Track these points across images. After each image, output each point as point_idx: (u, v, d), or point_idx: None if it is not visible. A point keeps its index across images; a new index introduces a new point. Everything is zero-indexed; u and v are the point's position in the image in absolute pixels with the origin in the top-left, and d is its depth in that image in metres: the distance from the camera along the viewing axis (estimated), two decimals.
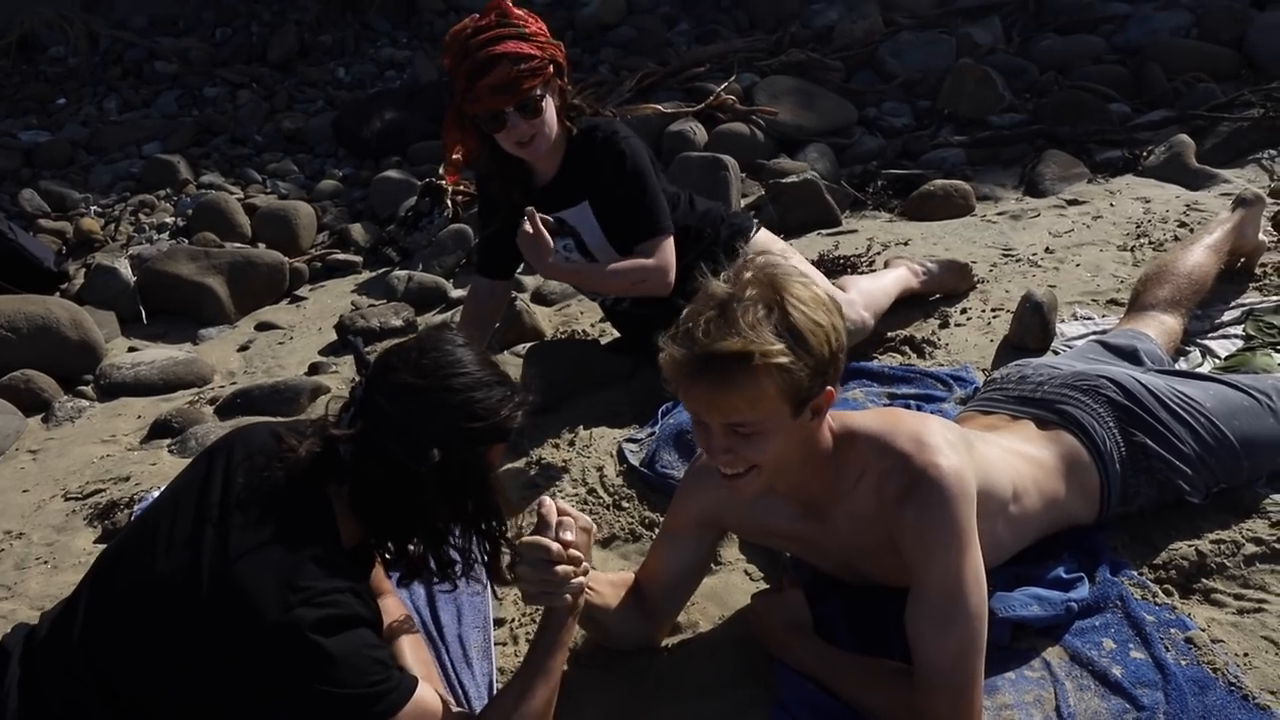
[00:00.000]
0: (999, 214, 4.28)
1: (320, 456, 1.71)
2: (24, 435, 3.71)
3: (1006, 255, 3.74)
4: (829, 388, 1.72)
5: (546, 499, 1.87)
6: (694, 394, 1.70)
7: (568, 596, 1.80)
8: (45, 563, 2.79)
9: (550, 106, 2.75)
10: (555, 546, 1.79)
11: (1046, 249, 3.74)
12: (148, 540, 1.70)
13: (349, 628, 1.62)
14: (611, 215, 2.86)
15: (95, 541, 2.86)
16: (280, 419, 3.16)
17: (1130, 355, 2.57)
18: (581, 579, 1.82)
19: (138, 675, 1.63)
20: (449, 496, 1.72)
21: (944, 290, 3.42)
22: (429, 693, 1.71)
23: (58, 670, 1.65)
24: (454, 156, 2.89)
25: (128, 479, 3.20)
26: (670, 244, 2.80)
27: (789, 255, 3.10)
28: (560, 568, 1.78)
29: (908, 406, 2.70)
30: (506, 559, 1.81)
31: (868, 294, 3.13)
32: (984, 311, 3.30)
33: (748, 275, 1.69)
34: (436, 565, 1.80)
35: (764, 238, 3.13)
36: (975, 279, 3.47)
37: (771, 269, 1.72)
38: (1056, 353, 2.93)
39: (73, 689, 1.63)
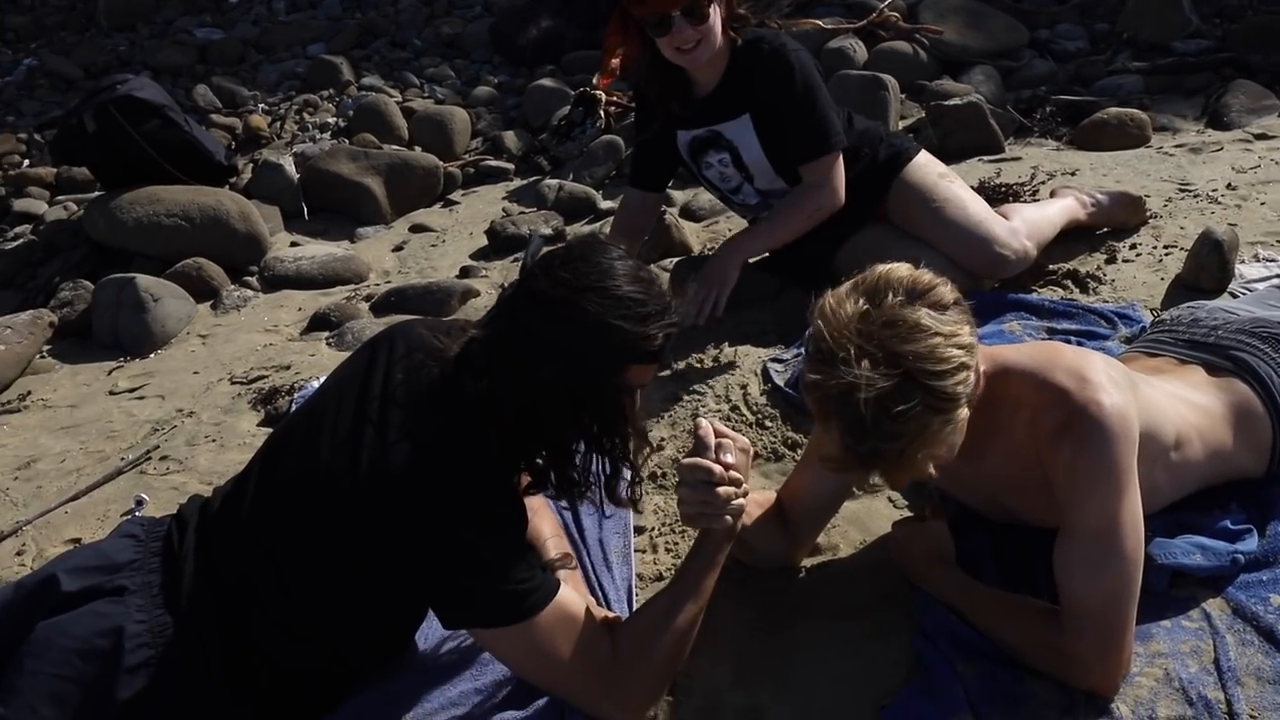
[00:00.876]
0: (1177, 146, 4.04)
1: (461, 357, 1.70)
2: (195, 320, 3.93)
3: (1183, 190, 3.53)
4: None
5: (703, 420, 1.83)
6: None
7: (727, 518, 1.79)
8: (213, 440, 2.95)
9: (716, 14, 2.70)
10: (717, 468, 1.76)
11: (1229, 185, 3.51)
12: (314, 430, 1.73)
13: (499, 526, 1.64)
14: (776, 130, 2.79)
15: (259, 425, 3.01)
16: (432, 319, 3.25)
17: None
18: (742, 501, 1.80)
19: (300, 558, 1.69)
20: (574, 413, 1.68)
21: (1113, 224, 3.26)
22: (572, 595, 1.72)
23: (231, 544, 1.73)
24: (613, 62, 2.87)
25: (288, 367, 3.35)
26: (840, 162, 2.73)
27: (949, 179, 3.00)
28: (722, 489, 1.76)
29: (1068, 342, 2.60)
30: (625, 484, 1.78)
31: (1031, 223, 3.00)
32: (1155, 248, 3.13)
33: (866, 366, 1.51)
34: (557, 483, 1.77)
35: (923, 159, 3.02)
36: (1148, 213, 3.29)
37: (883, 336, 1.53)
38: (1234, 295, 2.77)
39: (244, 563, 1.70)
